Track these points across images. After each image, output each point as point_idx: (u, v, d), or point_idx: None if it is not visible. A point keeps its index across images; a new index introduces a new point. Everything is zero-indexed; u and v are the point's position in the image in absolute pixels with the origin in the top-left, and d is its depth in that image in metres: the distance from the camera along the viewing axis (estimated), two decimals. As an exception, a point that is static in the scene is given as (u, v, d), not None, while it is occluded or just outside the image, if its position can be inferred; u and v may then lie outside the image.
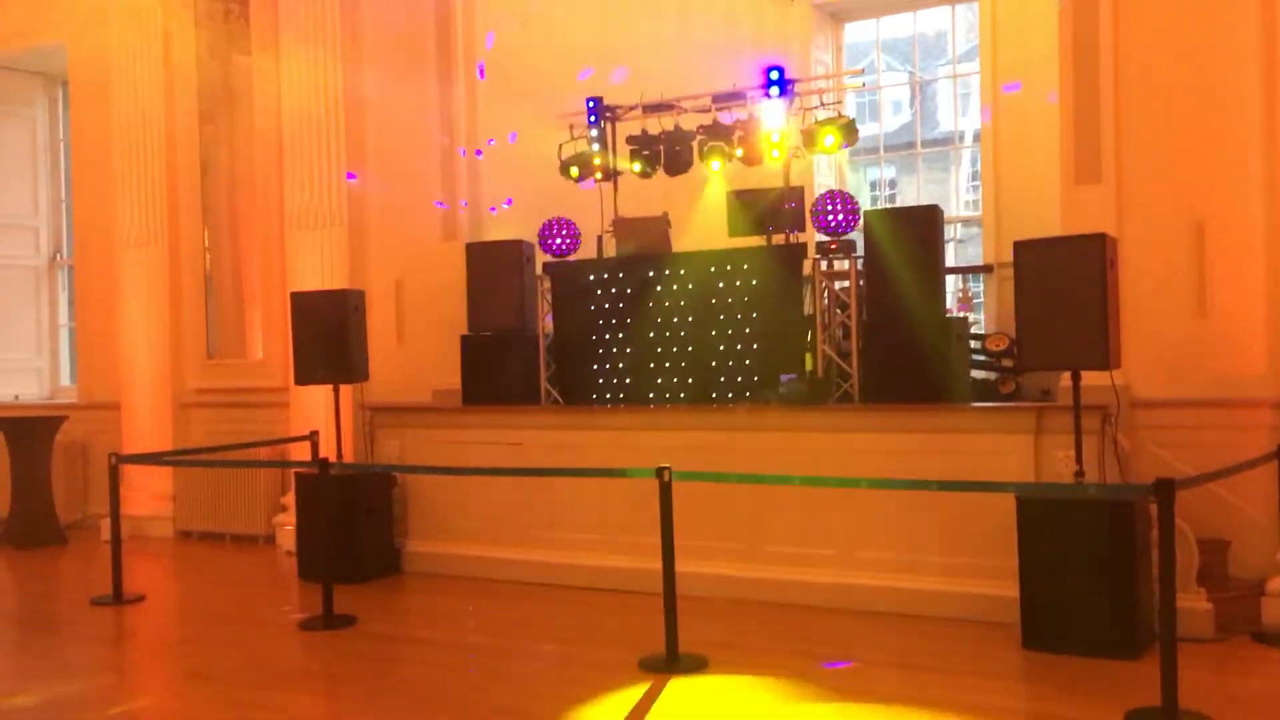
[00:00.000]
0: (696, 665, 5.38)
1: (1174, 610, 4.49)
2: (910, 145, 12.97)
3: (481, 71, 8.59)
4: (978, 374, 8.32)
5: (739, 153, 7.60)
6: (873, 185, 29.06)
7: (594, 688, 5.17)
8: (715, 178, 7.81)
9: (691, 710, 4.85)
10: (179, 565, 8.71)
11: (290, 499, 8.67)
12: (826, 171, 10.69)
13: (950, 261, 12.51)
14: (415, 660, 5.86)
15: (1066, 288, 5.40)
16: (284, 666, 5.80)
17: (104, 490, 9.14)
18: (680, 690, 5.08)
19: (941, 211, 6.97)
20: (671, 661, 5.40)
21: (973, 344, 8.15)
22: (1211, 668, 5.19)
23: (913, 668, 5.34)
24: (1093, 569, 5.30)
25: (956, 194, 12.69)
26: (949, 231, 12.60)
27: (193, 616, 7.16)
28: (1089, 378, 5.72)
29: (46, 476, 9.73)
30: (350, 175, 8.69)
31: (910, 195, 26.01)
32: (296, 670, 5.78)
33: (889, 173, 26.76)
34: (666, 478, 5.47)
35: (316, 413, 8.36)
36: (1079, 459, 5.57)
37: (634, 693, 5.04)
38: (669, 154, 7.79)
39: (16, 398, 11.38)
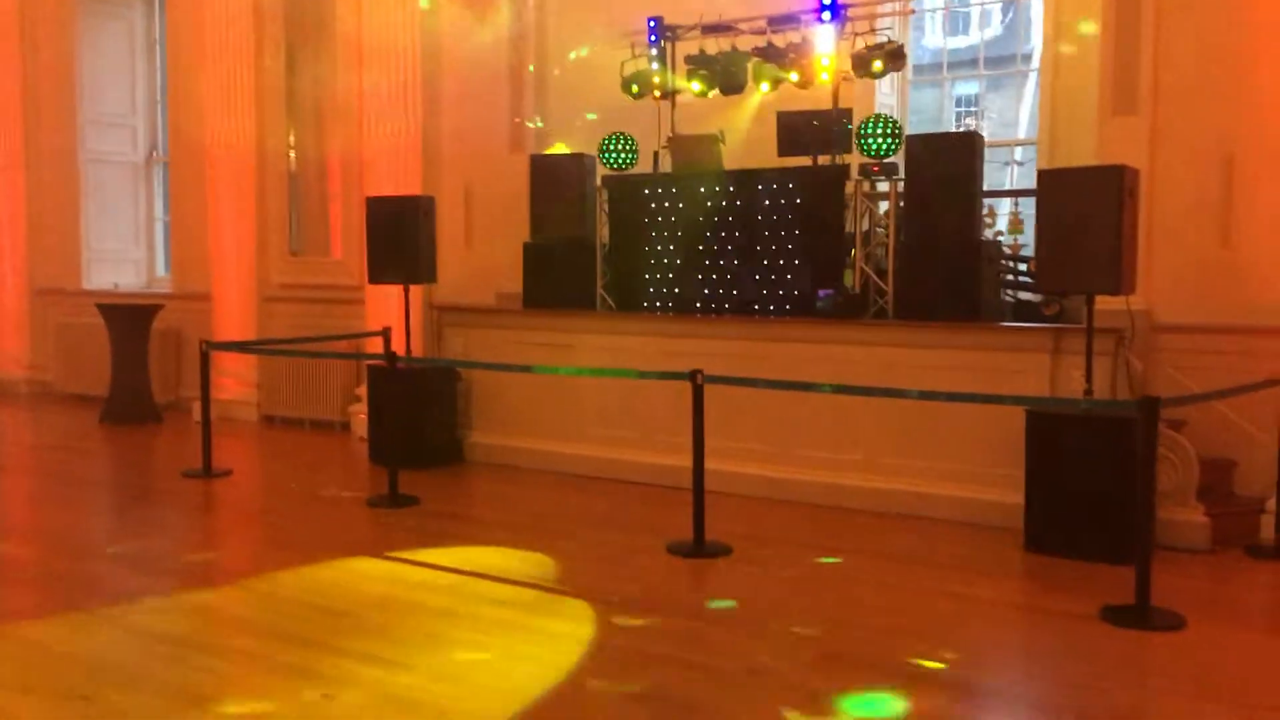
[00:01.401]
0: (720, 552, 5.92)
1: (1151, 517, 4.89)
2: (1001, 61, 12.94)
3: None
4: (1025, 295, 8.59)
5: (792, 76, 7.88)
6: (958, 101, 28.77)
7: (624, 565, 5.75)
8: (768, 98, 8.11)
9: (705, 585, 5.40)
10: (262, 446, 9.46)
11: (363, 390, 9.31)
12: (889, 92, 10.86)
13: (1012, 184, 12.69)
14: (470, 537, 6.49)
15: (1085, 216, 5.68)
16: (353, 537, 6.45)
17: (196, 375, 9.92)
18: (701, 569, 5.64)
19: (981, 138, 7.24)
20: (697, 547, 5.93)
21: (1022, 265, 8.41)
22: (1198, 575, 5.58)
23: (918, 562, 5.82)
24: (1091, 479, 5.68)
25: (1026, 115, 12.77)
26: (1011, 154, 12.73)
27: (273, 491, 7.89)
28: (1109, 302, 6.04)
29: (144, 360, 10.52)
30: None
31: (996, 111, 25.62)
32: (364, 540, 6.42)
33: (974, 89, 26.46)
34: (699, 380, 5.95)
35: (389, 310, 8.91)
36: (1088, 378, 5.91)
37: (659, 572, 5.60)
38: (725, 74, 8.10)
39: (116, 285, 12.18)
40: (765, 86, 7.90)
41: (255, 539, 6.65)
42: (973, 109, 28.41)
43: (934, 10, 13.97)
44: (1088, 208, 5.67)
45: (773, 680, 4.15)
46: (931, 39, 21.28)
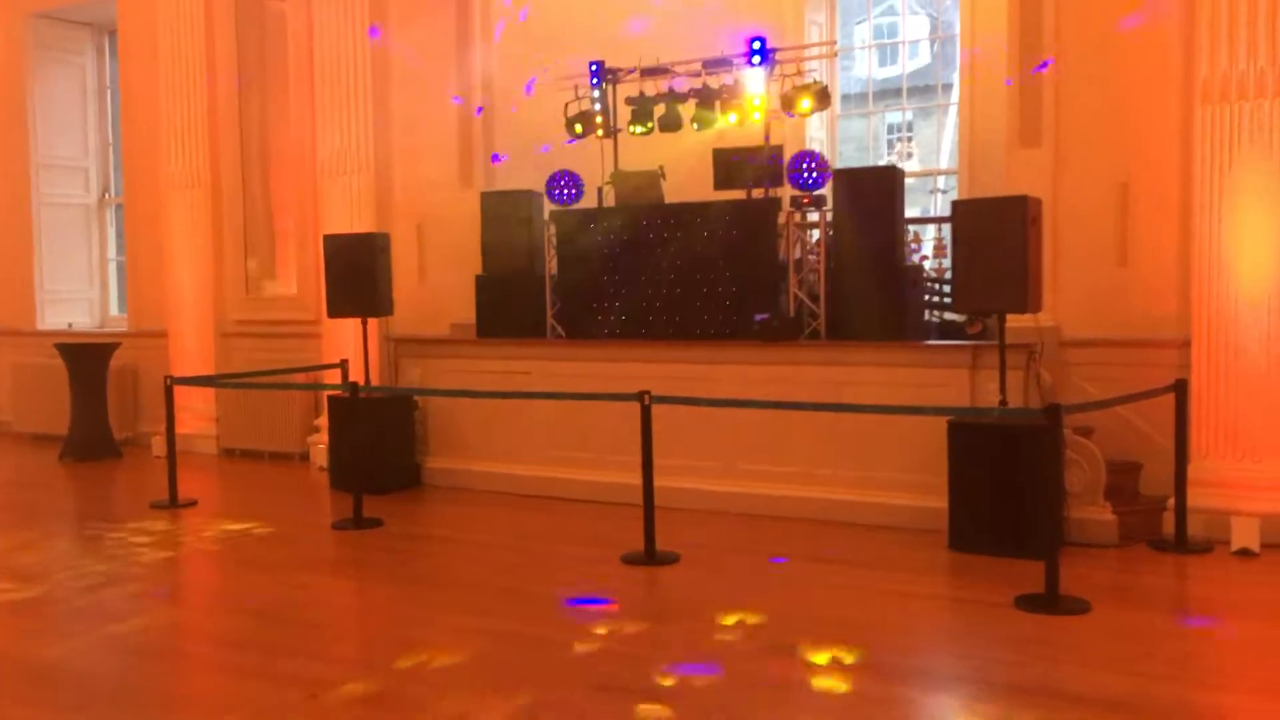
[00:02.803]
0: (669, 559, 6.36)
1: (1057, 514, 5.44)
2: (928, 90, 13.57)
3: (498, 35, 9.40)
4: (951, 316, 9.15)
5: (732, 118, 8.40)
6: (890, 128, 29.67)
7: (581, 575, 6.17)
8: (705, 135, 8.63)
9: (658, 591, 5.84)
10: (224, 477, 9.74)
11: (323, 420, 9.65)
12: (819, 126, 11.46)
13: (936, 211, 13.33)
14: (432, 554, 6.90)
15: (993, 241, 6.23)
16: (321, 557, 6.83)
17: (153, 410, 10.25)
18: (653, 575, 6.08)
19: (901, 171, 7.82)
20: (648, 557, 6.37)
21: (947, 288, 8.96)
22: (1105, 566, 6.12)
23: (852, 563, 6.31)
24: (1006, 483, 6.21)
25: (948, 145, 13.44)
26: (934, 182, 13.40)
27: (240, 518, 8.17)
28: (1021, 320, 6.61)
29: (102, 397, 10.75)
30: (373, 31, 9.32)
31: (926, 138, 26.43)
32: (331, 559, 6.80)
33: (908, 117, 27.38)
34: (647, 401, 6.41)
35: (346, 343, 9.28)
36: (1002, 390, 6.45)
37: (614, 578, 6.03)
38: (663, 114, 8.60)
39: (70, 325, 12.39)
40: (704, 124, 8.40)
41: (228, 561, 6.97)
42: (904, 135, 29.40)
43: (860, 48, 14.65)
44: (996, 235, 6.23)
45: (729, 663, 4.60)
46: (862, 69, 22.08)
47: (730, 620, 5.20)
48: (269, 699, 4.36)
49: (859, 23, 23.48)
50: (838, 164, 13.80)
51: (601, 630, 5.15)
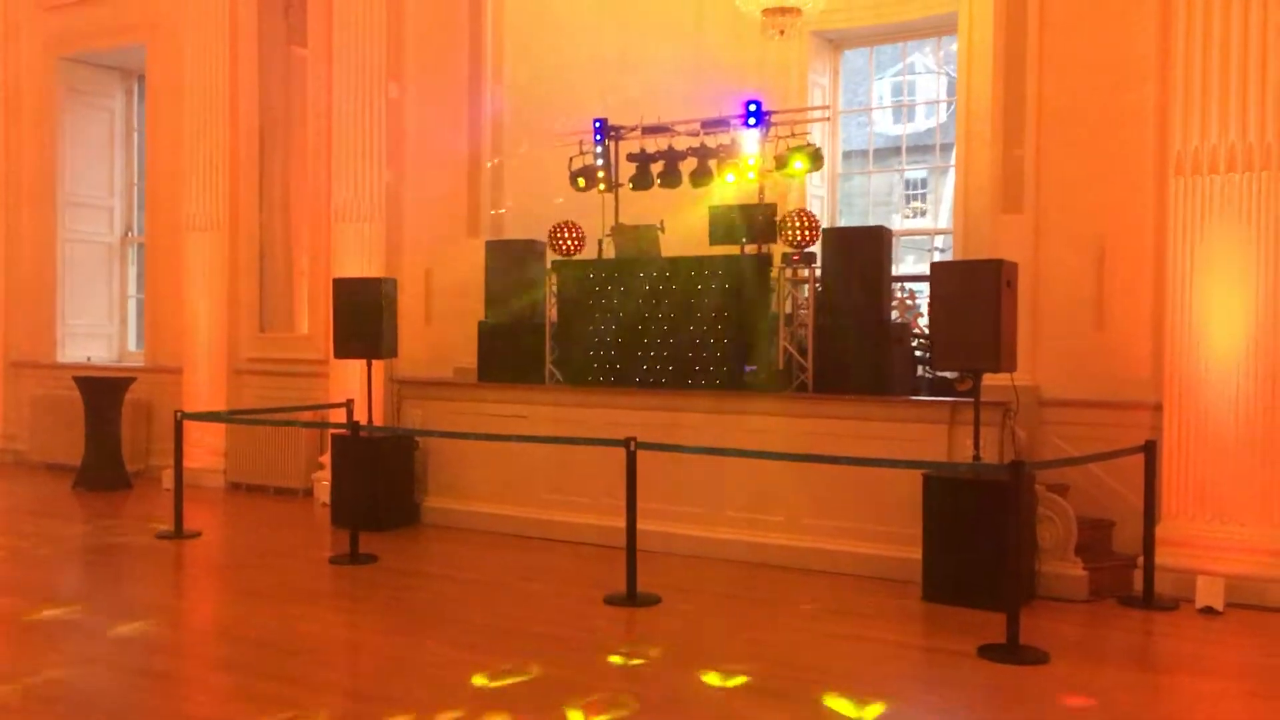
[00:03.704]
0: (650, 601, 6.57)
1: (1023, 567, 5.63)
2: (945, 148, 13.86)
3: (507, 91, 9.78)
4: (945, 373, 9.38)
5: (729, 178, 8.71)
6: (908, 184, 30.06)
7: (566, 614, 6.39)
8: (702, 191, 8.94)
9: (635, 630, 6.05)
10: (229, 510, 10.00)
11: (327, 457, 9.91)
12: (819, 184, 11.79)
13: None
14: (424, 590, 7.13)
15: (971, 303, 6.49)
16: (316, 589, 7.07)
17: (165, 444, 10.54)
18: (632, 616, 6.30)
19: (889, 232, 8.11)
20: (630, 598, 6.59)
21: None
22: (1073, 620, 6.30)
23: (827, 610, 6.50)
24: (978, 536, 6.41)
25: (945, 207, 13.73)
26: (931, 242, 13.70)
27: (242, 550, 8.44)
28: (999, 378, 6.85)
29: (116, 430, 11.06)
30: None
31: (944, 194, 26.83)
32: (326, 592, 7.04)
33: (921, 174, 27.80)
34: (632, 447, 6.66)
35: (352, 383, 9.56)
36: (976, 445, 6.68)
37: (596, 618, 6.26)
38: (662, 170, 8.93)
39: (89, 359, 12.74)
40: (702, 181, 8.72)
41: (228, 590, 7.23)
42: (919, 192, 29.76)
43: (859, 110, 15.04)
44: (973, 296, 6.48)
45: (695, 707, 4.81)
46: (883, 126, 22.49)
47: (705, 664, 5.41)
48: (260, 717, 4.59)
49: (882, 78, 23.94)
50: (855, 220, 14.17)
51: (580, 664, 5.36)
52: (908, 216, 28.72)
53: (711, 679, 5.16)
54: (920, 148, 19.29)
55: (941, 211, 17.23)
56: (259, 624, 6.15)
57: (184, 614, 6.74)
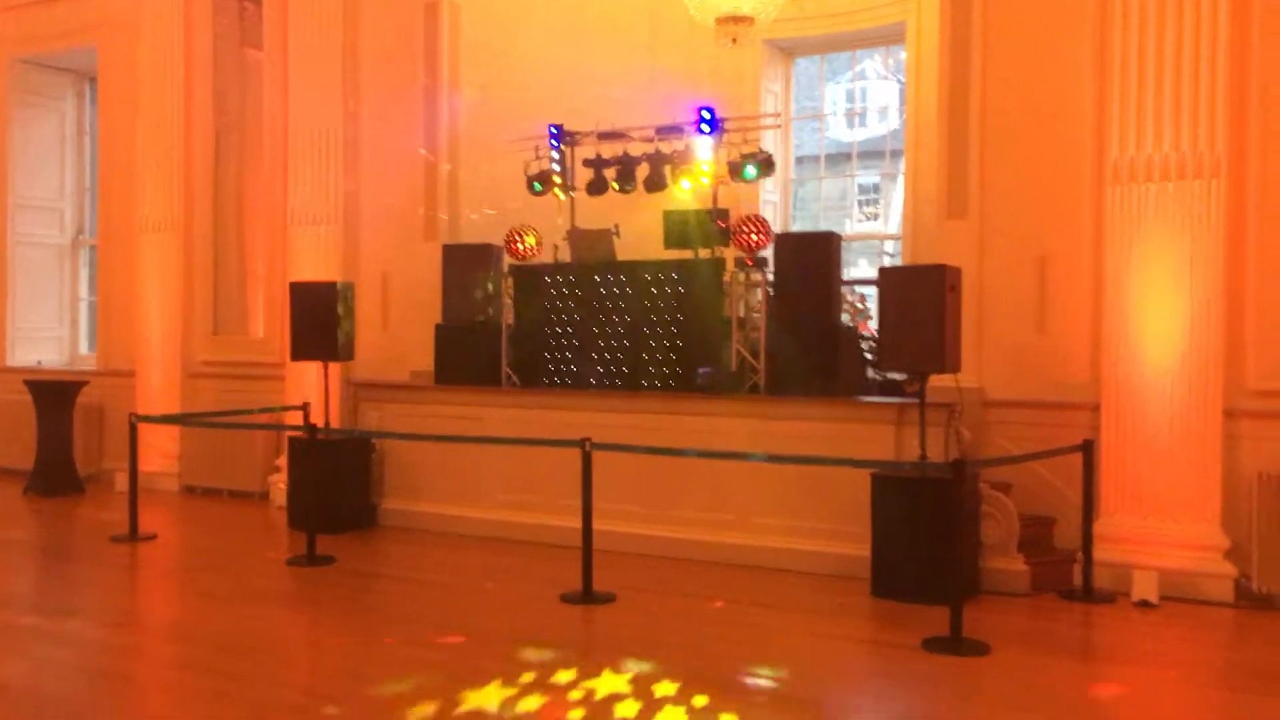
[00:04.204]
0: (606, 599, 6.70)
1: (966, 562, 5.83)
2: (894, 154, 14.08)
3: (464, 96, 9.87)
4: (895, 375, 9.59)
5: (685, 184, 8.87)
6: (861, 189, 30.37)
7: (523, 612, 6.50)
8: (656, 198, 9.08)
9: (594, 628, 6.18)
10: (184, 513, 9.99)
11: (283, 460, 9.93)
12: (772, 189, 11.98)
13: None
14: (382, 591, 7.21)
15: (916, 307, 6.68)
16: (273, 590, 7.13)
17: (118, 447, 10.50)
18: (589, 613, 6.42)
19: (839, 237, 8.31)
20: (586, 595, 6.71)
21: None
22: (1014, 613, 6.51)
23: (776, 606, 6.66)
24: (924, 533, 6.60)
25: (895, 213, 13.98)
26: (881, 246, 13.94)
27: (198, 552, 8.46)
28: (944, 380, 7.05)
29: (68, 433, 11.00)
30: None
31: (895, 199, 27.24)
32: (283, 593, 7.10)
33: (874, 179, 28.14)
34: (587, 448, 6.79)
35: (308, 386, 9.58)
36: (922, 445, 6.88)
37: (552, 615, 6.38)
38: (617, 175, 9.06)
39: (39, 363, 12.64)
40: (656, 186, 8.86)
41: (184, 592, 7.26)
42: (872, 197, 30.15)
43: (810, 117, 15.27)
44: (918, 300, 6.68)
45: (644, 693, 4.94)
46: (836, 132, 22.78)
47: (654, 654, 5.55)
48: (219, 716, 4.66)
49: (836, 83, 24.19)
50: (808, 225, 14.40)
51: (532, 660, 5.47)
52: (861, 221, 29.08)
53: (652, 669, 5.29)
54: (873, 153, 19.62)
55: (893, 216, 17.53)
56: (216, 625, 6.20)
57: (141, 616, 6.77)
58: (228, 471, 10.59)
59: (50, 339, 13.12)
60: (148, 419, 9.42)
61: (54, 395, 10.92)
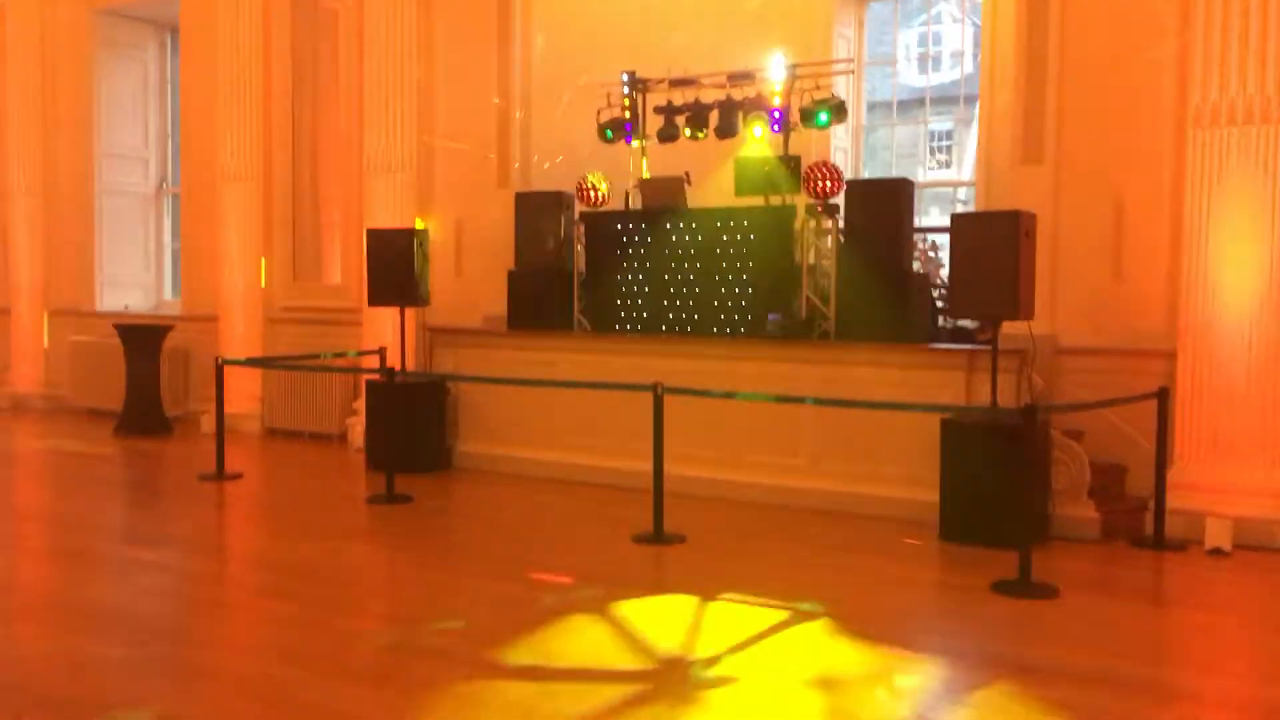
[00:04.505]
0: (676, 540, 6.83)
1: (1036, 507, 5.85)
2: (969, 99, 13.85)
3: (537, 44, 9.93)
4: (964, 322, 9.54)
5: (757, 131, 8.83)
6: (934, 135, 29.86)
7: (594, 551, 6.67)
8: (728, 145, 9.08)
9: (665, 567, 6.33)
10: (267, 454, 10.32)
11: (361, 403, 10.20)
12: (844, 136, 11.87)
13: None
14: (457, 528, 7.44)
15: (988, 253, 6.65)
16: (354, 526, 7.38)
17: (202, 390, 10.89)
18: (660, 553, 6.57)
19: (911, 184, 8.25)
20: (657, 536, 6.85)
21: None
22: (1084, 559, 6.52)
23: (848, 549, 6.75)
24: (993, 478, 6.62)
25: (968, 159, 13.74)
26: (955, 194, 13.77)
27: (281, 490, 8.77)
28: (1017, 327, 7.02)
29: (155, 376, 11.39)
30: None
31: (969, 146, 26.82)
32: (363, 529, 7.35)
33: (946, 125, 27.63)
34: (659, 391, 6.90)
35: (385, 331, 9.83)
36: (993, 391, 6.87)
37: (624, 555, 6.54)
38: (689, 122, 9.07)
39: (127, 307, 13.06)
40: (728, 133, 8.85)
41: (269, 526, 7.55)
42: (947, 143, 29.65)
43: (885, 64, 15.06)
44: (990, 246, 6.65)
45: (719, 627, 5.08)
46: (908, 77, 22.44)
47: (723, 591, 5.68)
48: (302, 643, 4.89)
49: (909, 28, 23.81)
50: (879, 172, 14.24)
51: (601, 596, 5.63)
52: (933, 169, 28.65)
53: (731, 600, 5.42)
54: (945, 99, 19.32)
55: (966, 163, 17.28)
56: (300, 557, 6.45)
57: (229, 547, 7.07)
58: (308, 414, 10.90)
59: (136, 285, 13.54)
60: (233, 362, 9.71)
61: (141, 339, 11.30)
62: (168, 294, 13.67)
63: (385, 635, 5.01)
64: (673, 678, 4.48)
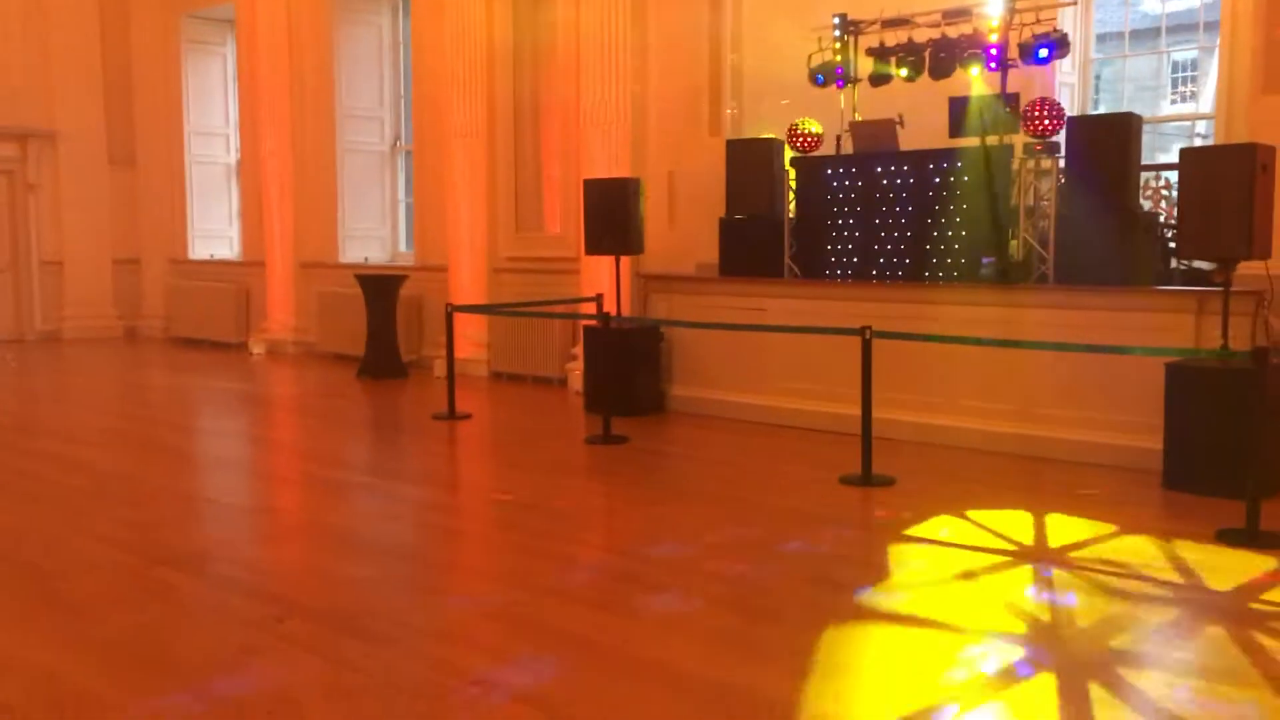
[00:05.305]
0: (885, 482, 6.89)
1: (1259, 454, 5.62)
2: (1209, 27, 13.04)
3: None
4: (1199, 263, 9.06)
5: (973, 70, 8.63)
6: (1176, 67, 27.91)
7: (803, 492, 6.81)
8: (942, 84, 8.90)
9: (873, 508, 6.42)
10: (493, 396, 10.92)
11: (579, 349, 10.63)
12: (1069, 70, 11.37)
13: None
14: (671, 468, 7.73)
15: (1222, 190, 6.33)
16: (574, 463, 7.78)
17: (435, 336, 11.54)
18: (868, 494, 6.67)
19: (1139, 118, 7.87)
20: (865, 478, 6.92)
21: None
22: (1319, 511, 6.19)
23: (1061, 495, 6.63)
24: (1220, 424, 6.34)
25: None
26: (1192, 128, 12.96)
27: (507, 430, 9.30)
28: (1254, 267, 6.67)
29: (393, 323, 12.19)
30: None
31: (1212, 77, 25.07)
32: (583, 466, 7.74)
33: (1190, 54, 25.80)
34: (868, 335, 6.93)
35: (601, 278, 10.17)
36: (1224, 334, 6.56)
37: (833, 496, 6.66)
38: (902, 63, 8.95)
39: (366, 259, 13.99)
40: (943, 72, 8.67)
41: (496, 462, 8.07)
42: (1192, 74, 27.67)
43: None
44: (1223, 183, 6.32)
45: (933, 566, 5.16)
46: (1145, 4, 21.10)
47: (934, 527, 5.73)
48: (529, 569, 5.27)
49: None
50: (1113, 107, 13.57)
51: (814, 533, 5.78)
52: (1176, 102, 26.85)
53: (949, 535, 5.48)
54: (1185, 26, 18.07)
55: (1206, 95, 16.18)
56: (526, 490, 6.88)
57: (461, 481, 7.60)
58: (530, 359, 11.43)
59: (374, 238, 14.46)
60: (463, 309, 10.30)
61: (379, 288, 12.10)
62: (402, 246, 14.54)
63: (602, 564, 5.33)
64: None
